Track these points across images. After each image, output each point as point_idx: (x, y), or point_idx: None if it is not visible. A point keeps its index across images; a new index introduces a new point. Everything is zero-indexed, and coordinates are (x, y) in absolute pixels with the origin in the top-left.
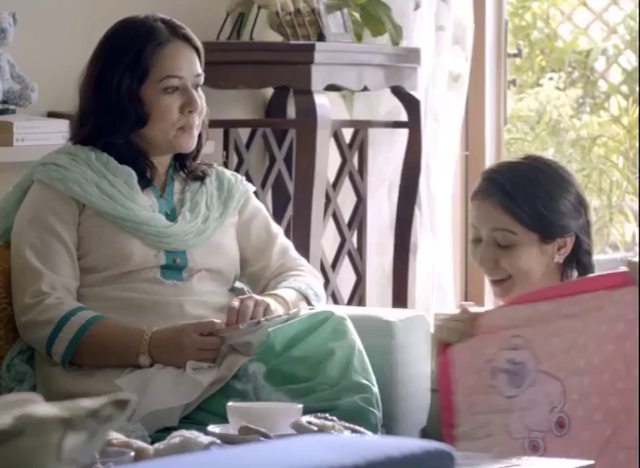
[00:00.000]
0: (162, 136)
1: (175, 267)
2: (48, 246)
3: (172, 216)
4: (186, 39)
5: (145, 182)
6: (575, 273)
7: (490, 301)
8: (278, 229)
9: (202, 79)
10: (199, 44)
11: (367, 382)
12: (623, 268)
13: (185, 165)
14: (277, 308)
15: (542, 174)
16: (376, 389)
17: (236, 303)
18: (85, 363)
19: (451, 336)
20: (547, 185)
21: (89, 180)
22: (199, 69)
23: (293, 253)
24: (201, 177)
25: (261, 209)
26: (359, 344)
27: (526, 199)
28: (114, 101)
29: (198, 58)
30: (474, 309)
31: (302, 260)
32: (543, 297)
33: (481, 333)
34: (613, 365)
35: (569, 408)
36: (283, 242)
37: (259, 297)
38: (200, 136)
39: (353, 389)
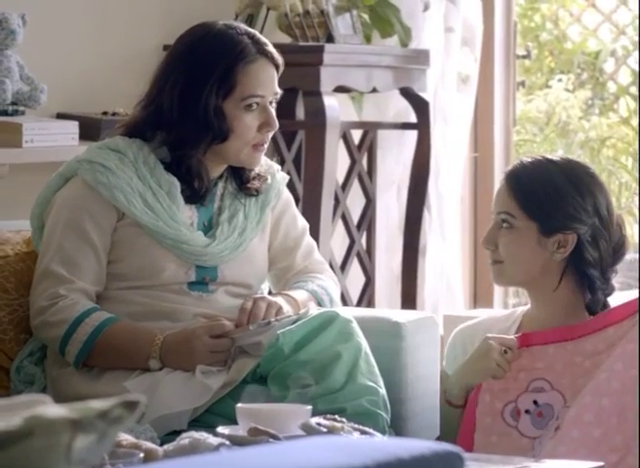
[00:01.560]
0: (235, 153)
1: (203, 283)
2: (78, 251)
3: (208, 227)
4: (271, 57)
5: (190, 193)
6: (572, 280)
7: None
8: (305, 226)
9: (279, 96)
10: (281, 61)
11: (373, 384)
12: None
13: (241, 178)
14: (288, 309)
15: (561, 172)
16: (383, 391)
17: (248, 304)
18: (97, 364)
19: (498, 373)
20: (560, 183)
21: (134, 190)
22: (277, 87)
23: (317, 255)
24: (255, 194)
25: (291, 203)
26: (365, 346)
27: (533, 188)
28: (201, 114)
29: (277, 75)
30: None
31: (325, 265)
32: (570, 337)
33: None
34: (612, 365)
35: (564, 409)
36: (308, 242)
37: (271, 299)
38: None
39: (360, 392)
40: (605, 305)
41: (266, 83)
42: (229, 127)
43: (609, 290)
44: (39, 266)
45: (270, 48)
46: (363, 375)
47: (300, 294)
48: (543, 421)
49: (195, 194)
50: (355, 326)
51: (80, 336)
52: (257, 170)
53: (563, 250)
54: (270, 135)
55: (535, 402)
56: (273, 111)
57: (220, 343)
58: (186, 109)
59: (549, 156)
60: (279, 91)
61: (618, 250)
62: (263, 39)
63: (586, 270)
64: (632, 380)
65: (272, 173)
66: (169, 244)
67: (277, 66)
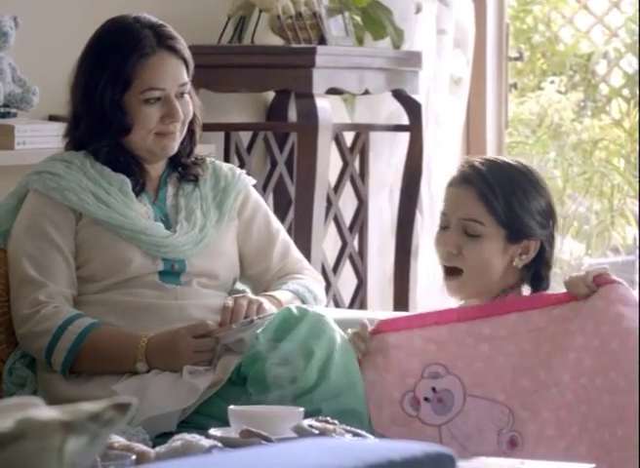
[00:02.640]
0: (142, 143)
1: (173, 273)
2: (45, 255)
3: (167, 224)
4: (174, 49)
5: (139, 189)
6: (525, 286)
7: None
8: (279, 226)
9: (188, 87)
10: (186, 54)
11: (348, 381)
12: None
13: (180, 163)
14: (271, 308)
15: (522, 174)
16: (359, 386)
17: (230, 302)
18: (84, 370)
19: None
20: (525, 185)
21: (85, 189)
22: (185, 78)
23: (294, 252)
24: (194, 178)
25: (261, 205)
26: (340, 339)
27: (503, 193)
28: (98, 108)
29: (185, 66)
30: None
31: (304, 262)
32: (463, 318)
33: (390, 356)
34: (559, 377)
35: (519, 426)
36: (284, 240)
37: (252, 296)
38: (193, 134)
39: (335, 390)
40: None
41: (166, 76)
42: (130, 120)
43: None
44: (13, 277)
45: (174, 41)
46: (338, 372)
47: (283, 295)
48: (445, 407)
49: (137, 184)
50: (328, 319)
51: (64, 345)
52: (191, 158)
53: (525, 256)
54: (177, 125)
55: (433, 388)
56: (187, 102)
57: (204, 343)
58: (88, 104)
59: (499, 158)
60: (186, 80)
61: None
62: (169, 32)
63: (546, 273)
64: (584, 391)
65: (233, 173)
66: (128, 235)
67: (183, 59)
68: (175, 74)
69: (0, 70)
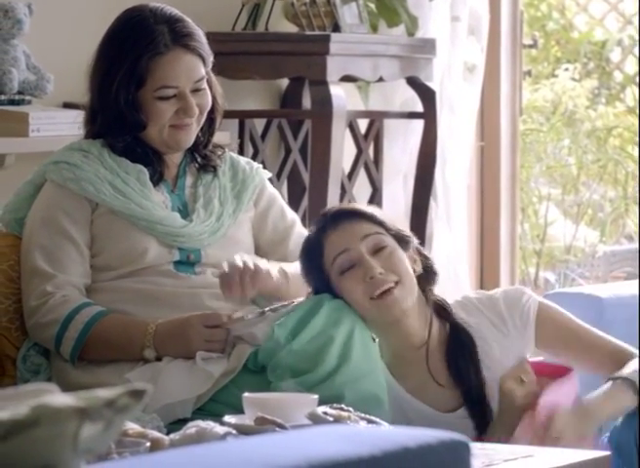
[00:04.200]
0: (158, 137)
1: (188, 263)
2: (57, 247)
3: (184, 212)
4: (188, 47)
5: (157, 178)
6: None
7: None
8: (294, 218)
9: (204, 82)
10: (203, 49)
11: (368, 367)
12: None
13: (198, 153)
14: (267, 269)
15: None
16: (379, 371)
17: (226, 270)
18: (93, 358)
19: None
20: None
21: (102, 179)
22: (200, 73)
23: None
24: (213, 169)
25: (277, 197)
26: (359, 326)
27: (373, 211)
28: (113, 106)
29: (202, 60)
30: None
31: None
32: None
33: None
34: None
35: None
36: (300, 232)
37: (247, 263)
38: (212, 122)
39: (355, 374)
40: None
41: (180, 73)
42: (144, 116)
43: None
44: (24, 269)
45: (190, 38)
46: (358, 357)
47: (290, 267)
48: None
49: (155, 173)
50: (345, 306)
51: (72, 334)
52: (209, 147)
53: (415, 266)
54: (192, 119)
55: None
56: (203, 94)
57: (216, 333)
58: (104, 102)
59: None
60: (202, 75)
61: None
62: (185, 28)
63: (435, 278)
64: None
65: (250, 167)
66: (144, 226)
67: (199, 55)
68: (189, 71)
69: (14, 58)
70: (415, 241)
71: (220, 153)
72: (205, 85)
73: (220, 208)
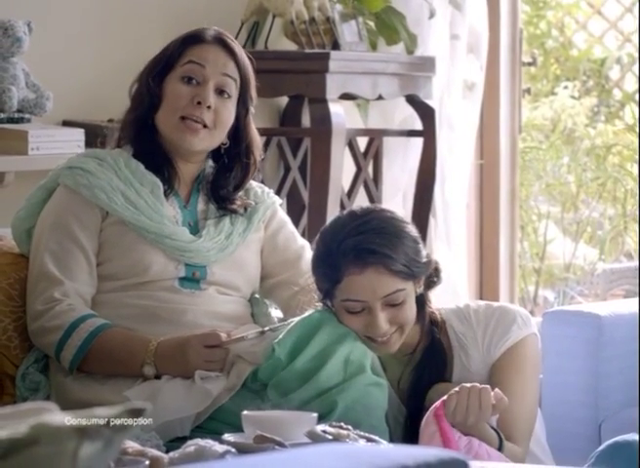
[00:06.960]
0: (167, 125)
1: (193, 279)
2: (67, 252)
3: (194, 229)
4: (226, 47)
5: (170, 190)
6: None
7: None
8: (304, 244)
9: (230, 83)
10: (237, 50)
11: (368, 379)
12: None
13: (220, 195)
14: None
15: (394, 220)
16: (384, 381)
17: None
18: (92, 370)
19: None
20: (406, 230)
21: (115, 188)
22: (229, 70)
23: None
24: (232, 211)
25: (287, 222)
26: (359, 343)
27: (402, 254)
28: (137, 96)
29: (235, 62)
30: None
31: None
32: None
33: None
34: None
35: None
36: (309, 258)
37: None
38: (247, 167)
39: (352, 386)
40: None
41: (209, 56)
42: (162, 95)
43: None
44: (32, 271)
45: (229, 40)
46: (357, 374)
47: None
48: None
49: (169, 186)
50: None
51: (74, 342)
52: (240, 193)
53: (419, 284)
54: (204, 112)
55: None
56: (226, 107)
57: (215, 353)
58: (134, 94)
59: (359, 220)
60: (230, 73)
61: None
62: (229, 39)
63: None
64: None
65: (262, 190)
66: (152, 238)
67: (234, 55)
68: (218, 59)
69: (14, 76)
70: (432, 265)
71: (240, 203)
72: (227, 94)
73: (230, 227)
